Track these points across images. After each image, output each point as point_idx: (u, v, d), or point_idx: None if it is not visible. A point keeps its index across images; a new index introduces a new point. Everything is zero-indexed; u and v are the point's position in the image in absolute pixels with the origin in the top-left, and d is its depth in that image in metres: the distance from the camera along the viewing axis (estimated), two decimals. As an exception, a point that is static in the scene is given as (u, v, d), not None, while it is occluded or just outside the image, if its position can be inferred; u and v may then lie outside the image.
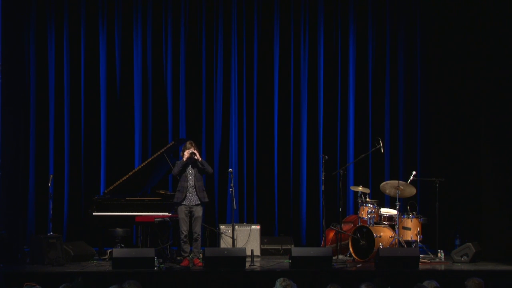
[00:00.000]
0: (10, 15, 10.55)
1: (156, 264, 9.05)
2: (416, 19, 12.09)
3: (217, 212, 11.87)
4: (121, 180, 10.21)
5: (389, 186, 10.56)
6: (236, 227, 10.35)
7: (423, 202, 11.52)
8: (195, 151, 9.52)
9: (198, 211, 9.52)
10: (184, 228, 9.44)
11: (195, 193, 9.52)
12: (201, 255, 9.50)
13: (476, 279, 6.52)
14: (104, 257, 10.11)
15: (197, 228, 9.52)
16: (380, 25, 12.14)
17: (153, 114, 11.96)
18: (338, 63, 12.15)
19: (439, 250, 10.25)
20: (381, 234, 9.99)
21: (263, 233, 10.85)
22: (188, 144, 9.63)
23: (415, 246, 10.10)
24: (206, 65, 12.03)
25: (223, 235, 10.55)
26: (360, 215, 10.43)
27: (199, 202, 9.52)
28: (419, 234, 10.20)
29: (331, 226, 10.56)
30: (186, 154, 9.51)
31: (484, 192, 10.83)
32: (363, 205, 10.43)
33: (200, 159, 9.55)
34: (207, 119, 12.04)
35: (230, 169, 10.07)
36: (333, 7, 12.11)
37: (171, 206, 10.01)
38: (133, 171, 10.33)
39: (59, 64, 11.83)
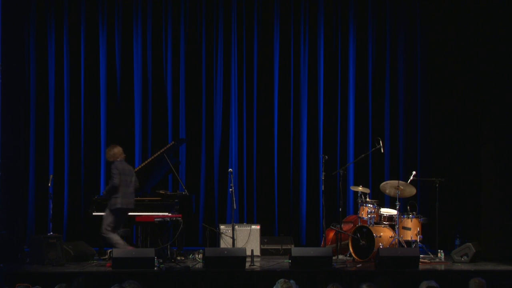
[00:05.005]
0: (10, 15, 10.56)
1: (156, 264, 9.04)
2: (416, 19, 12.10)
3: (217, 212, 11.88)
4: (121, 180, 10.20)
5: (389, 186, 10.56)
6: (236, 227, 10.34)
7: (423, 202, 11.52)
8: None
9: None
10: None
11: None
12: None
13: (478, 279, 6.52)
14: (104, 257, 10.10)
15: None
16: (380, 25, 12.14)
17: (153, 114, 11.97)
18: (338, 63, 12.15)
19: (439, 250, 10.25)
20: (381, 234, 9.99)
21: (263, 233, 10.84)
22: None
23: (415, 246, 10.10)
24: (206, 65, 12.04)
25: (223, 235, 10.55)
26: (360, 215, 10.43)
27: None
28: (419, 234, 10.19)
29: (331, 226, 10.56)
30: None
31: (484, 192, 10.82)
32: (363, 205, 10.43)
33: None
34: (207, 119, 12.04)
35: (230, 169, 10.06)
36: (333, 7, 12.11)
37: (171, 206, 10.01)
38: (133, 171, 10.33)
39: (59, 64, 11.84)
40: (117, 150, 9.69)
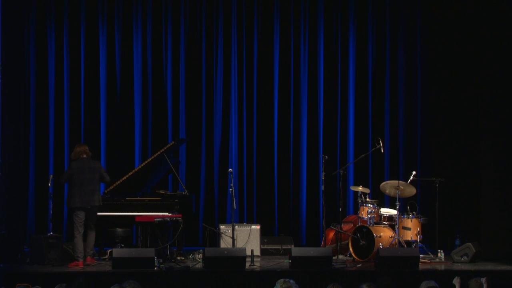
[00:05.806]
0: (10, 15, 10.56)
1: (156, 264, 9.05)
2: (416, 19, 12.10)
3: (217, 212, 11.88)
4: (121, 180, 10.21)
5: (389, 186, 10.56)
6: (236, 227, 10.35)
7: (423, 202, 11.52)
8: None
9: None
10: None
11: None
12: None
13: (478, 279, 6.52)
14: (104, 257, 10.11)
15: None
16: (380, 25, 12.14)
17: (153, 114, 11.97)
18: (338, 63, 12.15)
19: (439, 250, 10.25)
20: (381, 234, 9.99)
21: (263, 233, 10.84)
22: None
23: (415, 246, 10.10)
24: (206, 65, 12.04)
25: (223, 235, 10.55)
26: (360, 215, 10.43)
27: None
28: (419, 234, 10.20)
29: (331, 226, 10.56)
30: None
31: (484, 192, 10.82)
32: (363, 205, 10.43)
33: None
34: (207, 119, 12.04)
35: (230, 169, 10.07)
36: (333, 7, 12.12)
37: (171, 206, 10.01)
38: (133, 171, 10.34)
39: (59, 64, 11.84)
40: (79, 149, 9.73)
